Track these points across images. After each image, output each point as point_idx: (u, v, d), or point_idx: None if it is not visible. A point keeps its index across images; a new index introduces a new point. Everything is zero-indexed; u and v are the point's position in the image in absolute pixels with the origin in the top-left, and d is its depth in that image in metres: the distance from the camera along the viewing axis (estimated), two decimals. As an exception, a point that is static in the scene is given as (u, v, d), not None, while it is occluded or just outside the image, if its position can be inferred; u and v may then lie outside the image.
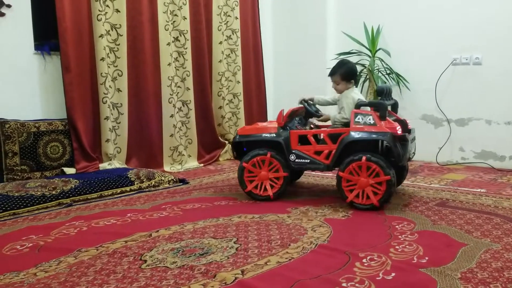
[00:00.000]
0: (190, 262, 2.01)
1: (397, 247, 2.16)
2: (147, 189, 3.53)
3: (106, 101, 3.98)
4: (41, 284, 1.81)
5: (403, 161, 2.89)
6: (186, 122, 4.63)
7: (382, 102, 2.98)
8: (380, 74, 4.71)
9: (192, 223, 2.61)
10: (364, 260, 1.98)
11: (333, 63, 4.83)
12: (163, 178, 3.73)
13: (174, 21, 4.45)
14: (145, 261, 2.04)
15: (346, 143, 2.88)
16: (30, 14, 3.71)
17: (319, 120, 3.39)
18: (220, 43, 4.94)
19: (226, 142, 5.04)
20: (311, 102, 3.35)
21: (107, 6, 3.94)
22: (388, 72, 4.73)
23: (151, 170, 3.88)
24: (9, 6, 3.58)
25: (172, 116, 4.46)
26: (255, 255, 2.09)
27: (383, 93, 3.13)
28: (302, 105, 3.33)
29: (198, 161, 4.71)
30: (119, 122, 4.11)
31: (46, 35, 3.86)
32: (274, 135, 3.14)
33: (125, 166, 4.08)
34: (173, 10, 4.44)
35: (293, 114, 3.29)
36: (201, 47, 4.71)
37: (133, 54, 4.15)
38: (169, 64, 4.40)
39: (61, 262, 2.05)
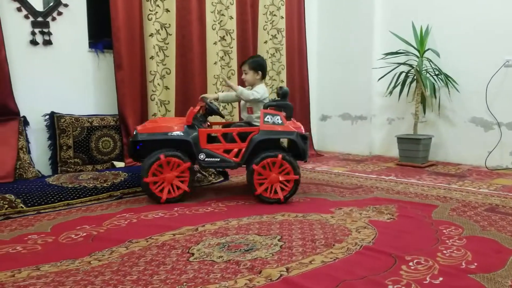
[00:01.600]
0: (236, 257, 2.05)
1: (444, 251, 2.12)
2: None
3: (154, 98, 4.11)
4: (96, 272, 1.90)
5: (307, 157, 3.15)
6: (230, 120, 4.69)
7: (289, 104, 3.20)
8: (428, 75, 4.61)
9: (237, 219, 2.66)
10: (410, 264, 1.96)
11: (380, 63, 4.83)
12: (206, 175, 3.81)
13: (221, 21, 4.53)
14: (193, 254, 2.10)
15: (257, 141, 3.03)
16: (86, 14, 3.88)
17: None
18: (265, 42, 4.98)
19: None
20: (212, 102, 3.37)
21: (158, 6, 4.06)
22: (436, 73, 4.63)
23: (194, 166, 3.96)
24: (66, 5, 3.75)
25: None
26: (300, 253, 2.11)
27: (286, 95, 3.24)
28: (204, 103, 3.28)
29: (240, 159, 4.76)
30: (166, 119, 4.23)
31: (100, 34, 4.02)
32: (182, 134, 3.05)
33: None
34: (221, 10, 4.51)
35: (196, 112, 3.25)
36: (246, 46, 4.77)
37: (181, 53, 4.25)
38: (215, 63, 4.48)
39: (113, 252, 2.14)
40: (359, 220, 2.64)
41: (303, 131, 3.15)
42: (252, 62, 3.39)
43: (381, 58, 4.83)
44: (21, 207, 2.80)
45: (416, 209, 2.88)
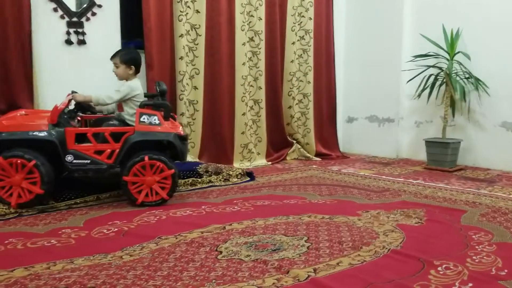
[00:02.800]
0: (263, 256, 2.08)
1: (474, 257, 2.10)
2: (218, 184, 3.67)
3: (183, 98, 4.17)
4: (127, 266, 1.96)
5: (185, 158, 3.05)
6: (257, 121, 4.73)
7: (167, 104, 3.05)
8: (458, 78, 4.54)
9: (263, 219, 2.68)
10: (439, 268, 1.95)
11: (409, 65, 4.78)
12: (230, 173, 3.84)
13: (250, 22, 4.56)
14: (221, 252, 2.14)
15: (132, 142, 2.86)
16: (119, 14, 3.97)
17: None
18: (293, 43, 4.99)
19: (294, 141, 5.10)
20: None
21: (188, 7, 4.12)
22: (466, 76, 4.55)
23: (219, 165, 4.01)
24: (100, 6, 3.85)
25: (244, 114, 4.58)
26: (327, 255, 2.12)
27: (165, 93, 3.16)
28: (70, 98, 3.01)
29: (266, 159, 4.80)
30: (194, 119, 4.30)
31: (132, 34, 4.11)
32: (46, 134, 2.76)
33: (197, 160, 4.25)
34: (250, 11, 4.55)
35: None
36: (274, 47, 4.80)
37: (210, 53, 4.31)
38: (243, 64, 4.52)
39: (144, 247, 2.20)
40: (386, 223, 2.63)
41: (182, 132, 3.03)
42: (124, 55, 3.07)
43: (410, 60, 4.78)
44: (52, 202, 2.89)
45: (445, 213, 2.85)
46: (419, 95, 4.72)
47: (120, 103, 3.12)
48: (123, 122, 3.03)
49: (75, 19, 3.74)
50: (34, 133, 2.75)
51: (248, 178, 3.90)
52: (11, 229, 2.47)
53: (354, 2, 5.54)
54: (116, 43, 3.98)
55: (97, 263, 1.99)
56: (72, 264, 1.97)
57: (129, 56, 3.09)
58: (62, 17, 3.68)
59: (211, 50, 4.32)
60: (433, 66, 4.64)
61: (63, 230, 2.45)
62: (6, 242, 2.24)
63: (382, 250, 2.18)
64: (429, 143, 4.62)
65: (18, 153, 2.72)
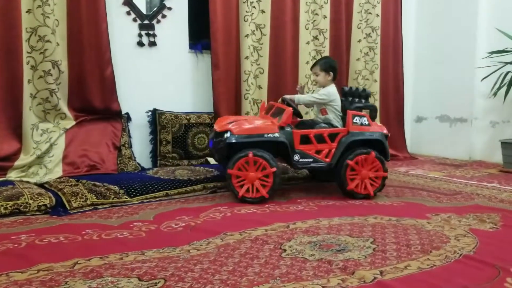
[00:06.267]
0: (328, 256, 2.06)
1: (556, 267, 1.95)
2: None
3: (248, 97, 4.22)
4: (194, 260, 2.02)
5: (389, 157, 3.24)
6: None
7: (375, 106, 3.38)
8: (539, 75, 4.24)
9: (328, 219, 2.66)
10: (517, 277, 1.84)
11: (485, 62, 4.52)
12: (295, 174, 3.84)
13: (314, 20, 4.53)
14: (285, 250, 2.14)
15: (349, 142, 3.10)
16: (187, 16, 4.10)
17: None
18: (359, 41, 4.89)
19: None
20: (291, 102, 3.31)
21: (254, 7, 4.17)
22: (549, 72, 4.24)
23: (285, 165, 4.01)
24: (170, 8, 3.99)
25: (307, 113, 4.54)
26: (394, 257, 2.06)
27: (369, 96, 3.44)
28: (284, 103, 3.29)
29: (330, 159, 4.73)
30: (259, 117, 4.33)
31: (199, 35, 4.22)
32: (279, 135, 3.02)
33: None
34: (314, 10, 4.52)
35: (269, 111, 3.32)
36: (339, 45, 4.73)
37: (274, 53, 4.33)
38: (307, 63, 4.49)
39: (210, 242, 2.25)
40: (458, 227, 2.51)
41: (386, 132, 3.26)
42: (324, 64, 3.38)
43: (486, 57, 4.52)
44: (125, 197, 3.04)
45: (523, 219, 2.68)
46: (495, 94, 4.46)
47: (324, 108, 3.35)
48: (330, 125, 3.28)
49: (146, 21, 3.91)
50: (269, 135, 3.03)
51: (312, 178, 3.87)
52: (88, 221, 2.62)
53: (424, -4, 5.33)
54: (184, 44, 4.12)
55: (166, 256, 2.07)
56: (143, 256, 2.06)
57: (328, 64, 3.39)
58: (134, 20, 3.86)
59: (276, 50, 4.34)
60: (511, 63, 4.36)
61: (135, 223, 2.57)
62: (83, 233, 2.39)
63: (453, 255, 2.09)
64: (506, 145, 4.35)
65: (266, 156, 3.00)
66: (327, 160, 3.12)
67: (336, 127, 3.24)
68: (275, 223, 2.56)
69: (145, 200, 3.06)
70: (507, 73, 4.36)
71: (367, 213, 2.79)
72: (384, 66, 5.06)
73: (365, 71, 4.98)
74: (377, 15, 4.91)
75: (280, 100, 3.40)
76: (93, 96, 3.66)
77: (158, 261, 2.00)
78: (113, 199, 2.98)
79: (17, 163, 3.35)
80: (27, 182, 3.21)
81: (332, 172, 3.22)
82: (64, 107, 3.57)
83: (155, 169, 3.75)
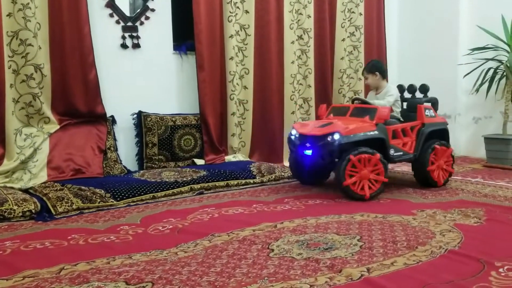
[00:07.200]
0: (315, 255, 2.07)
1: (539, 259, 1.99)
2: (268, 183, 3.68)
3: (233, 97, 4.22)
4: (182, 262, 2.01)
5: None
6: (307, 119, 4.70)
7: (436, 98, 3.60)
8: (519, 71, 4.31)
9: (315, 218, 2.67)
10: (501, 270, 1.86)
11: (466, 58, 4.58)
12: (283, 174, 3.85)
13: (298, 20, 4.55)
14: (273, 250, 2.15)
15: (428, 132, 3.35)
16: (171, 17, 4.08)
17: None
18: (343, 40, 4.92)
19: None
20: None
21: (237, 7, 4.17)
22: (529, 68, 4.31)
23: (272, 164, 4.03)
24: (153, 10, 3.97)
25: (293, 113, 4.57)
26: (380, 254, 2.08)
27: (427, 91, 3.64)
28: (356, 102, 3.50)
29: (317, 158, 4.75)
30: (245, 118, 4.34)
31: (183, 36, 4.21)
32: (377, 132, 3.15)
33: (248, 159, 4.29)
34: (298, 9, 4.53)
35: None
36: (323, 44, 4.75)
37: (259, 53, 4.33)
38: (292, 62, 4.51)
39: (198, 244, 2.25)
40: (443, 223, 2.54)
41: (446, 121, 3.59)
42: (369, 67, 3.63)
43: (467, 54, 4.59)
44: (112, 201, 3.01)
45: (506, 213, 2.72)
46: (477, 90, 4.52)
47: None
48: (398, 120, 3.49)
49: (130, 23, 3.88)
50: (370, 133, 3.14)
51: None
52: (74, 226, 2.60)
53: (406, -5, 5.39)
54: (168, 46, 4.10)
55: (154, 259, 2.06)
56: (130, 259, 2.05)
57: (370, 65, 3.67)
58: (117, 22, 3.83)
59: (261, 50, 4.34)
60: (492, 59, 4.43)
61: (122, 227, 2.55)
62: (69, 238, 2.37)
63: (438, 250, 2.11)
64: (489, 140, 4.42)
65: (363, 150, 3.06)
66: (411, 152, 3.32)
67: (402, 121, 3.46)
68: (263, 223, 2.56)
69: (132, 203, 3.05)
70: (489, 69, 4.43)
71: (353, 211, 2.81)
72: (368, 65, 5.09)
73: (349, 69, 5.01)
74: (360, 14, 4.95)
75: (352, 101, 3.59)
76: (77, 100, 3.63)
77: (146, 264, 1.99)
78: (99, 203, 2.96)
79: (0, 168, 3.31)
80: (11, 187, 3.17)
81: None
82: (47, 111, 3.53)
83: (141, 171, 3.72)
